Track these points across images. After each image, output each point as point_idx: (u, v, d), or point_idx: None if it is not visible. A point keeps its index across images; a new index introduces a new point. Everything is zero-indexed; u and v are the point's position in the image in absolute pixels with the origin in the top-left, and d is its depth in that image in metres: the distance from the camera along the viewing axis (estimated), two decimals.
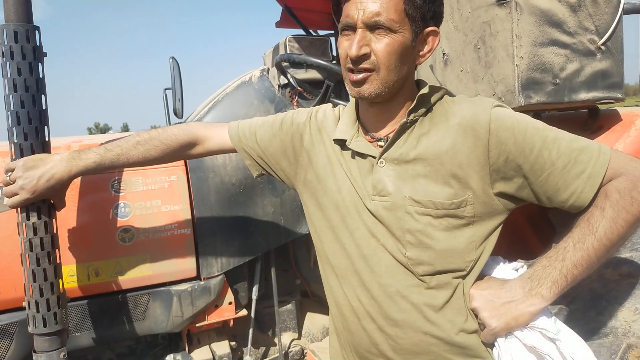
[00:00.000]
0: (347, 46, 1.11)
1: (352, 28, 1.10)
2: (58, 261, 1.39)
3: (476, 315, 1.13)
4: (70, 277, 1.63)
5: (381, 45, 1.08)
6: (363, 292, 1.18)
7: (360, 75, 1.11)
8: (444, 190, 1.11)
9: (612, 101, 1.70)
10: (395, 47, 1.08)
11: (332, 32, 3.49)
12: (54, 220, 1.38)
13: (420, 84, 1.23)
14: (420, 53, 1.16)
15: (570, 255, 1.04)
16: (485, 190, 1.11)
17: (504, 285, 1.11)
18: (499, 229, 1.16)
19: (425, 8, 1.11)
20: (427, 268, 1.12)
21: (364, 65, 1.10)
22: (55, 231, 1.39)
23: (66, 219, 1.61)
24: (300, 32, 3.60)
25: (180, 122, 2.36)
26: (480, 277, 1.18)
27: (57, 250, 1.39)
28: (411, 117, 1.15)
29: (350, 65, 1.12)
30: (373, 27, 1.08)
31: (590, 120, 1.80)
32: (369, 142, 1.21)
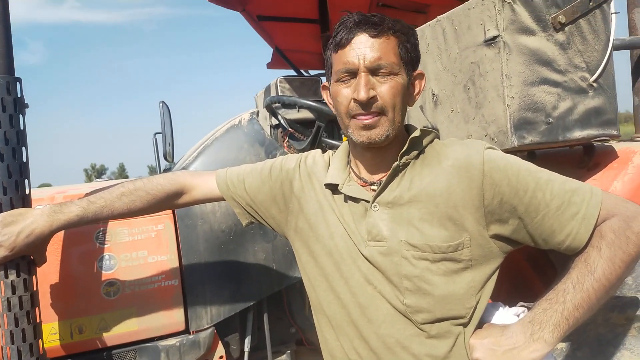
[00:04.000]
0: (351, 91, 1.12)
1: (353, 74, 1.12)
2: (38, 320, 1.33)
3: None
4: (52, 336, 1.56)
5: (386, 88, 1.11)
6: (361, 344, 1.16)
7: (374, 119, 1.12)
8: (440, 232, 1.10)
9: (607, 138, 1.68)
10: (398, 89, 1.12)
11: (323, 71, 3.52)
12: (33, 277, 1.34)
13: (409, 128, 1.24)
14: (412, 95, 1.21)
15: (570, 297, 1.03)
16: (480, 233, 1.11)
17: (504, 332, 1.08)
18: (496, 273, 1.15)
19: (413, 52, 1.17)
20: (426, 316, 1.10)
21: (374, 109, 1.11)
22: (35, 289, 1.33)
23: (48, 273, 1.56)
24: (292, 72, 3.63)
25: (169, 168, 2.34)
26: (480, 324, 1.15)
27: (37, 309, 1.33)
28: (404, 159, 1.16)
29: (361, 110, 1.12)
30: (375, 71, 1.11)
31: (586, 158, 1.78)
32: (362, 186, 1.21)
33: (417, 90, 1.21)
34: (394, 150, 1.19)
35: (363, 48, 1.10)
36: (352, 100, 1.11)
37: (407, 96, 1.17)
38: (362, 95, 1.09)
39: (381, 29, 1.10)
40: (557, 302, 1.04)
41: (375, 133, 1.12)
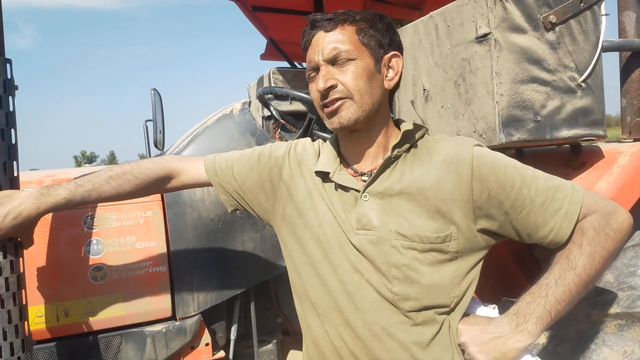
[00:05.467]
0: (316, 85, 1.18)
1: (316, 69, 1.19)
2: (24, 302, 1.33)
3: (463, 351, 1.14)
4: (37, 318, 1.55)
5: (346, 74, 1.16)
6: (346, 331, 1.18)
7: (337, 104, 1.16)
8: (429, 224, 1.13)
9: (593, 138, 1.70)
10: (359, 72, 1.16)
11: None
12: (20, 259, 1.33)
13: (399, 122, 1.26)
14: (387, 77, 1.23)
15: (552, 291, 1.09)
16: (468, 226, 1.14)
17: (491, 322, 1.13)
18: (480, 264, 1.19)
19: (379, 36, 1.20)
20: (413, 304, 1.13)
21: (335, 95, 1.16)
22: (21, 271, 1.33)
23: (35, 256, 1.55)
24: (286, 64, 3.62)
25: (159, 156, 2.32)
26: (465, 315, 1.19)
27: (23, 291, 1.33)
28: (395, 152, 1.18)
29: (323, 100, 1.17)
30: (334, 61, 1.16)
31: (573, 157, 1.80)
32: (352, 176, 1.23)
33: (392, 72, 1.23)
34: (380, 140, 1.23)
35: (321, 44, 1.17)
36: (319, 93, 1.17)
37: (375, 78, 1.19)
38: (320, 85, 1.16)
39: (334, 22, 1.18)
40: (540, 296, 1.09)
41: (343, 116, 1.16)
